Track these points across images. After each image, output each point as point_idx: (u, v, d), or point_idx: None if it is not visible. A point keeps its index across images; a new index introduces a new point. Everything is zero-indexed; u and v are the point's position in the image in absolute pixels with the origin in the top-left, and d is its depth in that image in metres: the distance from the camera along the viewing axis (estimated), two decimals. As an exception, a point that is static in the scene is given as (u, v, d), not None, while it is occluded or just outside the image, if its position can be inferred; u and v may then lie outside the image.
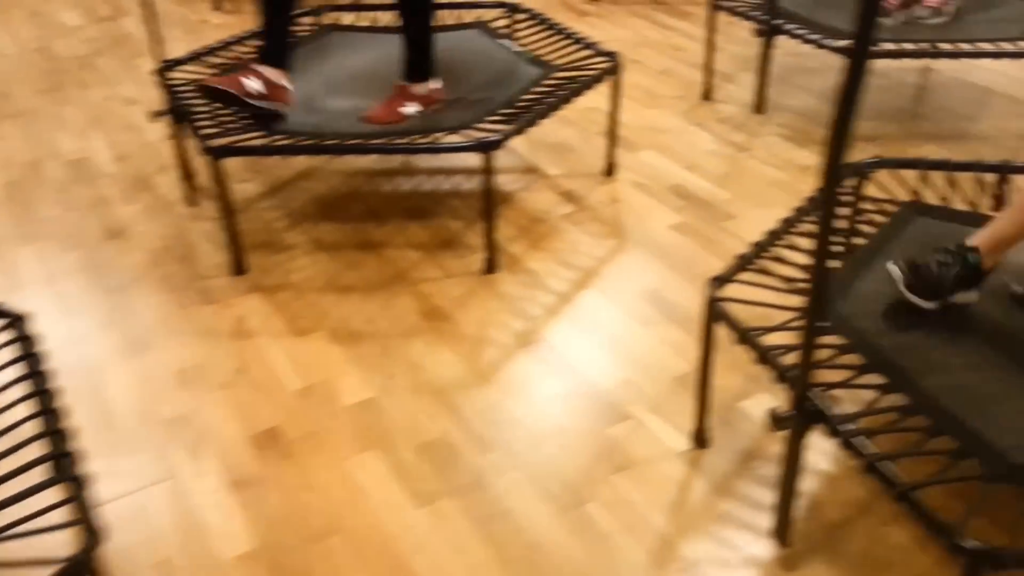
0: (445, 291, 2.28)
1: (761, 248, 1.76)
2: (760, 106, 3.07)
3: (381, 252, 2.44)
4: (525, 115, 2.31)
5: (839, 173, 1.18)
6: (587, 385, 1.97)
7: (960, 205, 2.03)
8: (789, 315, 1.60)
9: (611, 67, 2.56)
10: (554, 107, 2.37)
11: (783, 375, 1.45)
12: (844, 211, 1.93)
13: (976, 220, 1.95)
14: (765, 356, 1.49)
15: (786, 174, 2.73)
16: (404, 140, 2.25)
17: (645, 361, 2.03)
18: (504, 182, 2.75)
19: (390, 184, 2.76)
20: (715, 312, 1.61)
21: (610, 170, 2.75)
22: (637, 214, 2.56)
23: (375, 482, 1.75)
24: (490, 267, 2.33)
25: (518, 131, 2.27)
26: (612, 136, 2.71)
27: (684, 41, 3.76)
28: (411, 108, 2.44)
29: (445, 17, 3.03)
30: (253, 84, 2.30)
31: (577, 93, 2.43)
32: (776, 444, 1.78)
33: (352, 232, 2.53)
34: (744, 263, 1.72)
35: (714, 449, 1.80)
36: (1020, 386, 1.46)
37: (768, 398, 1.91)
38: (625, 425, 1.86)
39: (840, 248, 1.82)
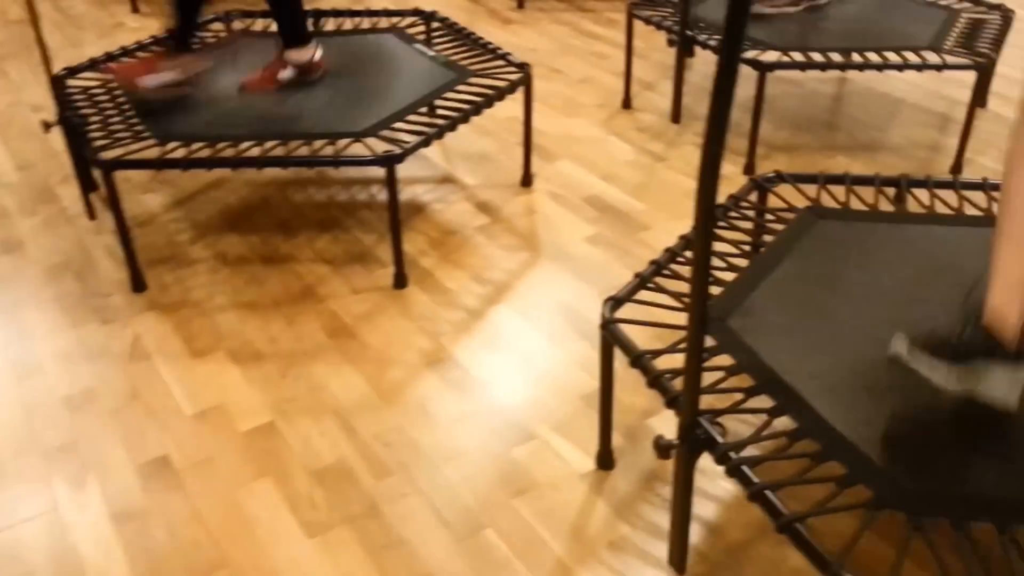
0: (352, 308, 2.22)
1: (660, 266, 1.74)
2: (677, 116, 3.06)
3: (288, 267, 2.37)
4: (431, 129, 2.25)
5: (714, 189, 1.16)
6: (493, 404, 1.93)
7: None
8: (681, 335, 1.57)
9: (521, 78, 2.52)
10: (462, 120, 2.31)
11: (672, 401, 1.42)
12: (744, 224, 1.92)
13: (876, 218, 1.95)
14: (656, 381, 1.46)
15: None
16: (306, 152, 2.18)
17: (553, 379, 1.99)
18: (419, 192, 2.69)
19: (302, 194, 2.69)
20: (609, 335, 1.57)
21: (527, 180, 2.71)
22: (552, 226, 2.53)
23: (266, 512, 1.68)
24: (400, 282, 2.28)
25: (424, 144, 2.21)
26: (528, 147, 2.67)
27: (607, 49, 3.74)
28: (287, 73, 2.47)
29: (361, 24, 2.97)
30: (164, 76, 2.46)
31: (488, 105, 2.39)
32: (679, 464, 1.76)
33: (259, 245, 2.45)
34: (642, 282, 1.69)
35: (619, 470, 1.76)
36: (912, 409, 1.45)
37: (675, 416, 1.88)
38: (529, 446, 1.82)
39: (738, 260, 1.80)
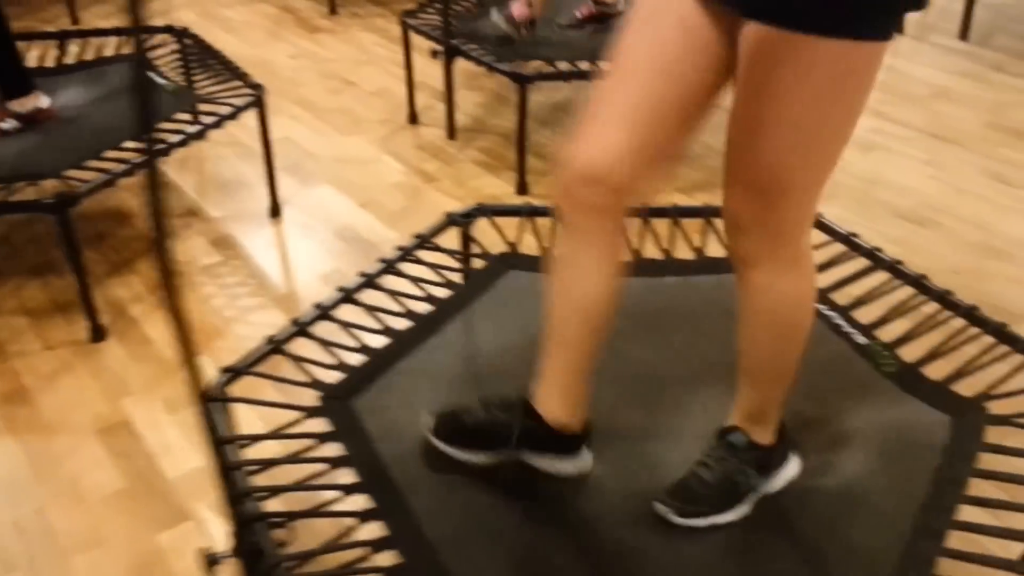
0: (39, 366, 2.01)
1: (301, 328, 1.56)
2: (452, 131, 2.88)
3: (-16, 320, 2.16)
4: (121, 166, 2.05)
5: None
6: (154, 479, 1.74)
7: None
8: (295, 417, 1.40)
9: (251, 102, 2.32)
10: (162, 153, 2.12)
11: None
12: (417, 271, 1.75)
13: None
14: (227, 474, 1.28)
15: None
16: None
17: (233, 444, 1.81)
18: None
19: (26, 233, 2.47)
20: (207, 412, 1.39)
21: (275, 211, 2.52)
22: (290, 263, 2.34)
23: None
24: (97, 336, 2.08)
25: (107, 184, 2.02)
26: (271, 175, 2.48)
27: (412, 57, 3.53)
28: (8, 124, 2.28)
29: (109, 46, 2.74)
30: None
31: (198, 136, 2.19)
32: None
33: (-38, 296, 2.24)
34: (275, 348, 1.52)
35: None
36: (514, 516, 1.28)
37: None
38: (179, 529, 1.64)
39: (398, 321, 1.63)
